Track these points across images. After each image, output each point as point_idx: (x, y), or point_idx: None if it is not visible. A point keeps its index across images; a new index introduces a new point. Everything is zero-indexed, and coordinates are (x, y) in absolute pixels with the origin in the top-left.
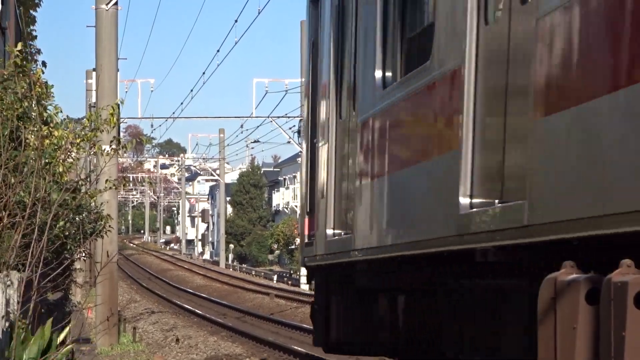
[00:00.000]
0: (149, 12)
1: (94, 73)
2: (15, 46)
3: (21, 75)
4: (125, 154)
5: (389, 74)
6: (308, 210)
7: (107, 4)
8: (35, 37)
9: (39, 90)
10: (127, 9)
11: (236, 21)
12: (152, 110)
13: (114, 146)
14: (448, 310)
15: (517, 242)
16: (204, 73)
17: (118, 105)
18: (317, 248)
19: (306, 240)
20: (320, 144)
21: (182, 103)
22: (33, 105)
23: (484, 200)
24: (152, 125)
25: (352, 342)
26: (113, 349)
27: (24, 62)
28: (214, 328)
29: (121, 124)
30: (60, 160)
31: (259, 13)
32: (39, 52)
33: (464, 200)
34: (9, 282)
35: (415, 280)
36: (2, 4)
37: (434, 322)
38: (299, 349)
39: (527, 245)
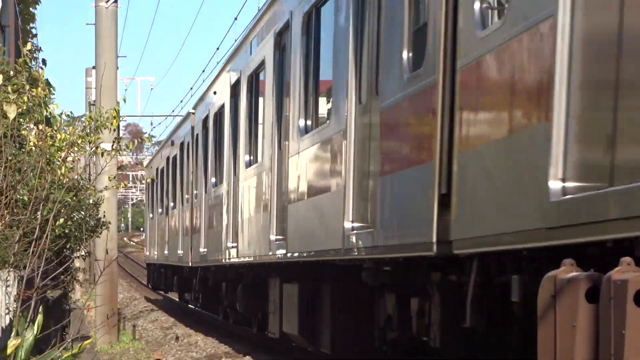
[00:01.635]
0: (149, 10)
1: (93, 71)
2: (22, 45)
3: (26, 73)
4: (125, 153)
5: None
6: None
7: (106, 2)
8: (35, 35)
9: (41, 89)
10: (126, 6)
11: (236, 19)
12: (151, 108)
13: (115, 146)
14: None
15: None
16: (203, 71)
17: (119, 104)
18: (148, 256)
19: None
20: (150, 217)
21: (181, 101)
22: (35, 104)
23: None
24: (151, 124)
25: (155, 286)
26: (113, 347)
27: (30, 62)
28: (214, 326)
29: (121, 122)
30: (61, 160)
31: (258, 10)
32: (38, 49)
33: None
34: (9, 281)
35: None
36: (2, 2)
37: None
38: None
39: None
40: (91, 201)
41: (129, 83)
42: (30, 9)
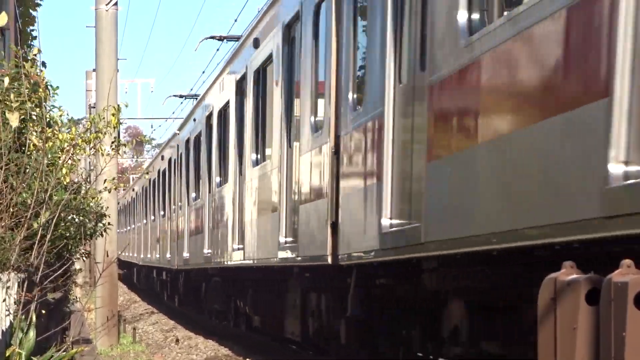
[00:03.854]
0: (149, 12)
1: (93, 74)
2: (17, 47)
3: (24, 77)
4: (124, 155)
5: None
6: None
7: (106, 5)
8: (35, 37)
9: (41, 92)
10: (127, 9)
11: (236, 20)
12: (152, 110)
13: (114, 147)
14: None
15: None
16: (203, 72)
17: (119, 108)
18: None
19: None
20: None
21: (182, 102)
22: (34, 106)
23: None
24: (152, 126)
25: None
26: (113, 350)
27: (27, 64)
28: (214, 328)
29: (121, 125)
30: (62, 162)
31: (258, 12)
32: (38, 51)
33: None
34: (9, 284)
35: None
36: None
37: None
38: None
39: None
40: (92, 204)
41: (128, 86)
42: (31, 11)
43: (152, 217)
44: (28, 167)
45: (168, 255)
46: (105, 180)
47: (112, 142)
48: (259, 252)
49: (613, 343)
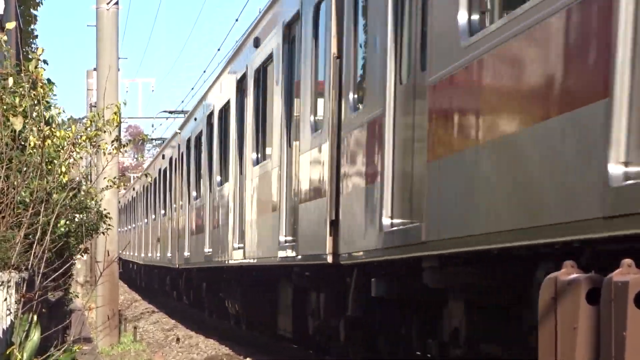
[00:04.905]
0: (150, 12)
1: (94, 73)
2: (18, 46)
3: (26, 76)
4: (125, 154)
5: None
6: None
7: (107, 4)
8: (36, 36)
9: (41, 90)
10: (127, 8)
11: (237, 20)
12: (152, 109)
13: (115, 145)
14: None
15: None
16: (204, 71)
17: (119, 107)
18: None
19: None
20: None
21: (182, 101)
22: (34, 104)
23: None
24: (152, 125)
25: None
26: (114, 349)
27: (31, 63)
28: (215, 328)
29: (122, 124)
30: (62, 161)
31: (259, 12)
32: (42, 51)
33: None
34: (10, 283)
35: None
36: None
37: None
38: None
39: None
40: (93, 204)
41: (129, 85)
42: (32, 10)
43: (129, 227)
44: (27, 165)
45: (135, 254)
46: (105, 178)
47: (113, 141)
48: (158, 257)
49: (613, 343)
